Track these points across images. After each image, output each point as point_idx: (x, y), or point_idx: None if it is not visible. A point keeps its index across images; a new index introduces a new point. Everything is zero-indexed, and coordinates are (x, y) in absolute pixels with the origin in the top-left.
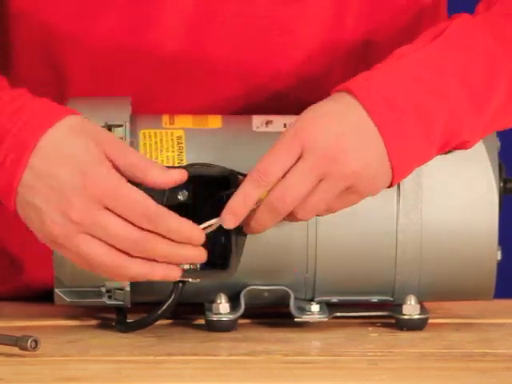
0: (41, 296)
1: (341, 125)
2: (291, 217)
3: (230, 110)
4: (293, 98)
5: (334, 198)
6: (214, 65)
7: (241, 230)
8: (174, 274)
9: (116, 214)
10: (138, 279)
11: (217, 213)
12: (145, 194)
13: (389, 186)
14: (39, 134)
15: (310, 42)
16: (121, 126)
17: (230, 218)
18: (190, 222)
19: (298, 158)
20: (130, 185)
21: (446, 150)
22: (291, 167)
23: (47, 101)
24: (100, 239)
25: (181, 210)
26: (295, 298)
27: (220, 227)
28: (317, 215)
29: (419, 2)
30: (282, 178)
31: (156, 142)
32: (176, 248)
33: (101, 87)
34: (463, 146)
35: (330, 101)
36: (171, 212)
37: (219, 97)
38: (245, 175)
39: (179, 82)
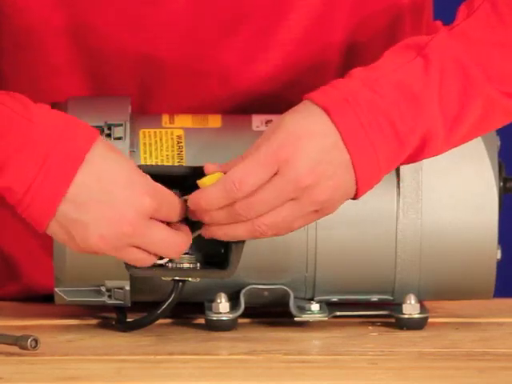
0: (41, 297)
1: (319, 151)
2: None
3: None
4: (282, 99)
5: (297, 219)
6: (196, 66)
7: None
8: None
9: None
10: None
11: None
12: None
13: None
14: (86, 150)
15: (296, 42)
16: (121, 125)
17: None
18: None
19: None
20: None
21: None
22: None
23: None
24: (144, 248)
25: None
26: (295, 297)
27: None
28: (276, 234)
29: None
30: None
31: (156, 142)
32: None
33: (93, 88)
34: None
35: (307, 117)
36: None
37: (207, 97)
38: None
39: (175, 82)
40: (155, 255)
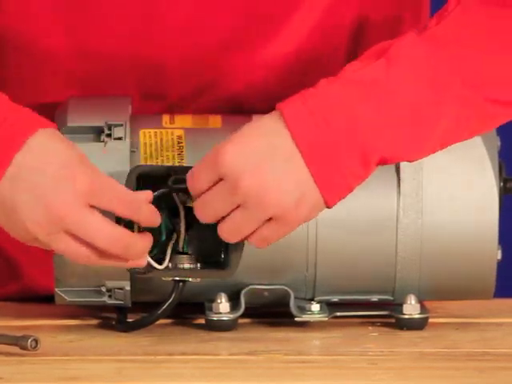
0: (41, 298)
1: (260, 153)
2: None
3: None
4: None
5: (259, 226)
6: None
7: None
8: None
9: (99, 209)
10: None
11: None
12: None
13: (328, 207)
14: (28, 134)
15: (304, 30)
16: (121, 125)
17: None
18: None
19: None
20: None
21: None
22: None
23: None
24: (80, 238)
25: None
26: (295, 298)
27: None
28: (257, 245)
29: (403, 7)
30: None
31: (156, 142)
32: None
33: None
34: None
35: (260, 123)
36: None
37: (211, 98)
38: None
39: (177, 89)
40: (91, 247)
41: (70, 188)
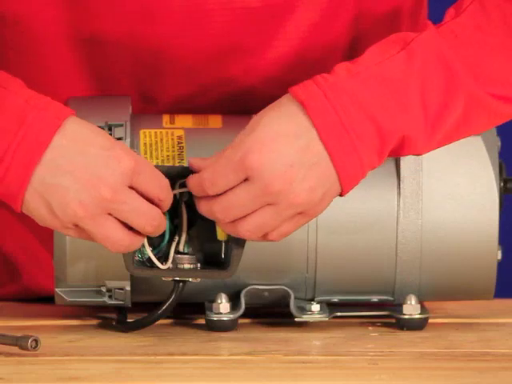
0: (41, 298)
1: (290, 154)
2: (234, 231)
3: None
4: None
5: (281, 222)
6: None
7: None
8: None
9: (137, 191)
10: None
11: None
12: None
13: (341, 196)
14: (62, 118)
15: (302, 29)
16: (121, 125)
17: None
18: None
19: (246, 178)
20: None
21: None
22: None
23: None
24: (119, 220)
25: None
26: (295, 298)
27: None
28: (266, 238)
29: (401, 6)
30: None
31: (156, 142)
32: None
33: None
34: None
35: (282, 116)
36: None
37: (210, 96)
38: None
39: (177, 82)
40: (130, 229)
41: (115, 168)
